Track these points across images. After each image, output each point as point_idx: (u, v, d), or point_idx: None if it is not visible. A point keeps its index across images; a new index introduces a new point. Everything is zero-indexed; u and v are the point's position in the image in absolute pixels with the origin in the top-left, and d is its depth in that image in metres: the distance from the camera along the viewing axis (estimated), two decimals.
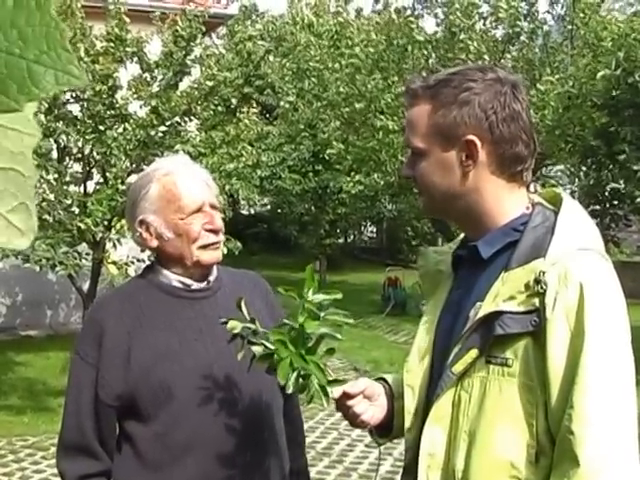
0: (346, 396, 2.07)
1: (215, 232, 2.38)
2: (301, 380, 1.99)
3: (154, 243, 2.40)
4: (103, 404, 2.33)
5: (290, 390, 1.99)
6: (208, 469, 2.29)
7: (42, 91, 0.58)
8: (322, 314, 2.02)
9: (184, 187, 2.37)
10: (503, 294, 1.82)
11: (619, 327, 1.77)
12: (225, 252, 9.16)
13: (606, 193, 11.86)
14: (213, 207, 2.41)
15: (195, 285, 2.44)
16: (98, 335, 2.36)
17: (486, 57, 14.99)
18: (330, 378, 2.02)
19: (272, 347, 2.03)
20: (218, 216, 2.41)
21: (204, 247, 2.36)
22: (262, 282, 2.68)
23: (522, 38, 16.21)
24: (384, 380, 2.24)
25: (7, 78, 0.58)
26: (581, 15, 13.62)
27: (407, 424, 2.05)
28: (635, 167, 11.07)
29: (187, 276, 2.43)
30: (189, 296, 2.43)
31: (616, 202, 12.19)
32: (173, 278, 2.43)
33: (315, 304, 2.01)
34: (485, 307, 1.84)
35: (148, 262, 2.63)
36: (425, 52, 15.79)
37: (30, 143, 0.63)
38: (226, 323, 2.10)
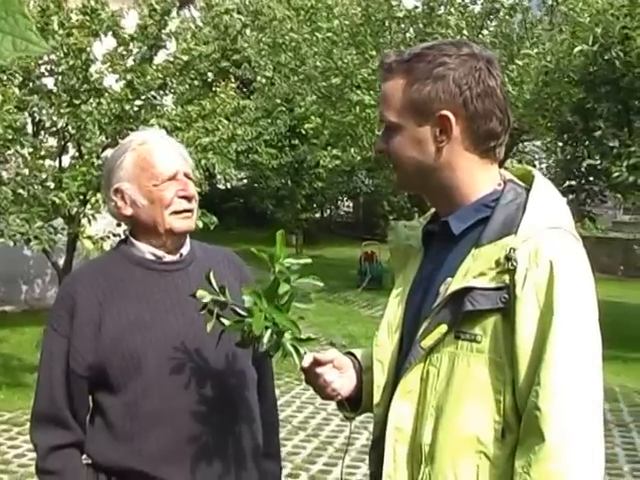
0: (316, 363, 2.07)
1: (188, 199, 2.40)
2: (275, 337, 2.00)
3: (129, 211, 2.40)
4: (75, 375, 2.34)
5: (263, 347, 1.99)
6: (179, 440, 2.29)
7: None
8: (293, 278, 2.02)
9: (159, 155, 2.40)
10: (473, 270, 1.83)
11: (587, 306, 1.79)
12: (201, 227, 9.13)
13: (582, 169, 11.90)
14: (187, 176, 2.43)
15: (167, 257, 2.45)
16: (70, 306, 2.37)
17: (465, 32, 14.98)
18: (302, 337, 2.03)
19: (244, 314, 2.03)
20: (192, 184, 2.44)
21: (176, 213, 2.37)
22: (236, 259, 2.69)
23: (501, 14, 16.21)
24: (352, 355, 2.24)
25: None
26: None
27: (376, 399, 2.06)
28: (611, 143, 11.11)
29: (160, 246, 2.43)
30: (161, 268, 2.43)
31: (592, 178, 12.23)
32: (146, 250, 2.43)
33: (287, 267, 2.02)
34: (455, 283, 1.85)
35: (124, 237, 2.63)
36: (403, 26, 15.77)
37: None
38: (194, 295, 2.11)
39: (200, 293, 2.11)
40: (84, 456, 2.40)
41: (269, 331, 1.98)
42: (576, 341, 1.74)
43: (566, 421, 1.70)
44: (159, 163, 2.39)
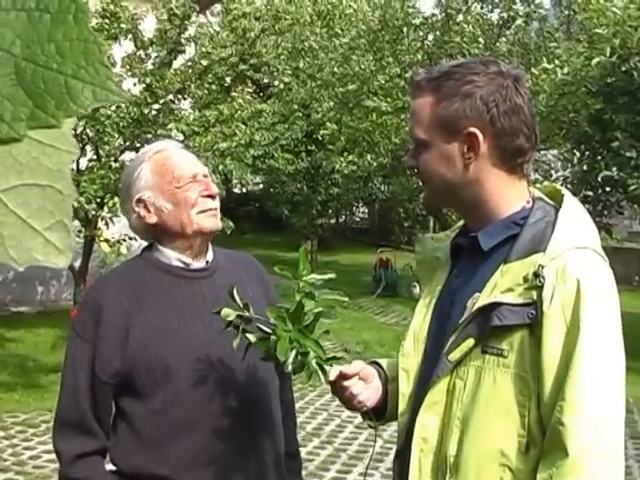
0: (342, 377, 2.09)
1: (212, 197, 2.42)
2: (299, 358, 2.01)
3: (153, 219, 2.41)
4: (99, 381, 2.34)
5: (289, 368, 2.01)
6: (206, 447, 2.32)
7: (80, 107, 0.57)
8: (317, 293, 2.04)
9: (176, 160, 2.44)
10: (501, 286, 1.86)
11: (612, 324, 1.82)
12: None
13: (599, 179, 11.87)
14: (206, 177, 2.47)
15: (194, 264, 2.46)
16: (95, 312, 2.37)
17: (481, 40, 14.97)
18: (328, 356, 2.05)
19: (268, 330, 2.05)
20: (212, 184, 2.47)
21: (203, 212, 2.39)
22: (256, 264, 2.72)
23: (518, 22, 16.19)
24: (377, 364, 2.27)
25: (45, 93, 0.58)
26: (579, 0, 13.57)
27: (401, 407, 2.09)
28: (629, 154, 11.07)
29: (187, 249, 2.44)
30: (188, 275, 2.45)
31: (609, 189, 12.20)
32: (173, 257, 2.44)
33: (310, 284, 2.04)
34: (483, 298, 1.88)
35: (141, 240, 2.65)
36: (421, 34, 15.77)
37: (68, 160, 0.62)
38: (219, 312, 2.12)
39: (225, 312, 2.11)
40: (108, 463, 2.42)
41: (294, 352, 2.00)
42: (601, 359, 1.77)
43: (588, 437, 1.73)
44: (178, 166, 2.42)
